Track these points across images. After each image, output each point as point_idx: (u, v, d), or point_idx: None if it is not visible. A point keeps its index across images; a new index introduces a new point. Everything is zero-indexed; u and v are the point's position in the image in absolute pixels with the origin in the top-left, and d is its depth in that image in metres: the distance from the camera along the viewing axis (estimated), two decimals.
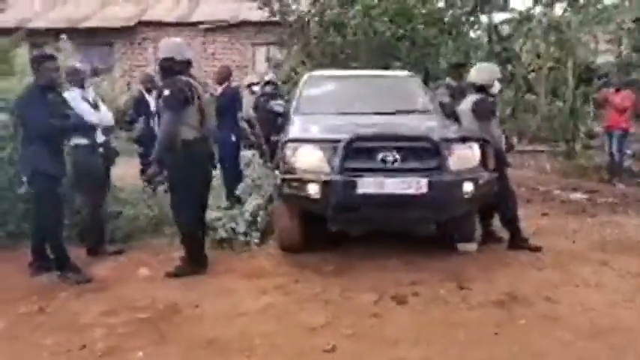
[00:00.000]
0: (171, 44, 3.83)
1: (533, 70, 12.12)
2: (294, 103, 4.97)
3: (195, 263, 3.85)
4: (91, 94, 4.26)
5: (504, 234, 4.42)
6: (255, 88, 8.04)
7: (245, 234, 4.48)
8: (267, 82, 7.60)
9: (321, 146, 3.84)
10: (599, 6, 10.98)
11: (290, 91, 8.05)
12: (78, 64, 4.34)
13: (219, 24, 13.43)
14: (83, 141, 4.11)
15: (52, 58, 3.76)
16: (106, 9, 14.45)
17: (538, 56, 11.99)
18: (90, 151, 4.16)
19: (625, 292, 3.40)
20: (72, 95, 4.05)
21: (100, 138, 4.22)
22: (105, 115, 4.28)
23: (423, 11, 8.67)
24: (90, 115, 4.08)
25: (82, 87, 4.19)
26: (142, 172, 6.12)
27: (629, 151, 8.02)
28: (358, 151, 3.76)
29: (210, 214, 4.42)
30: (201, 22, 13.52)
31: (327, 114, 4.54)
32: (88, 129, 4.06)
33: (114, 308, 3.23)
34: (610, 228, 5.05)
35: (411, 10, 8.57)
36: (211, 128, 3.91)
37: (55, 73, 3.70)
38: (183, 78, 3.71)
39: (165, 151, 3.67)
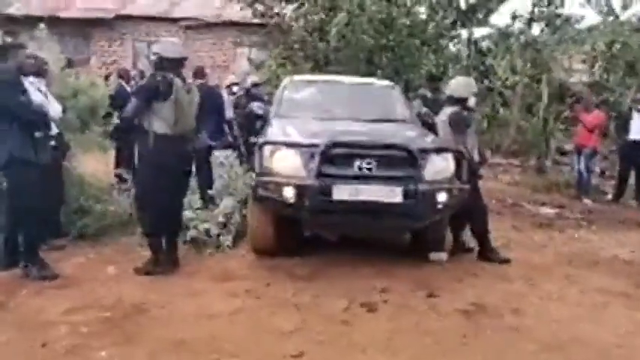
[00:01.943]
0: (163, 42, 3.98)
1: (508, 86, 12.42)
2: (273, 106, 4.96)
3: (155, 263, 3.78)
4: (42, 85, 4.15)
5: (474, 245, 4.49)
6: (235, 89, 8.00)
7: (217, 235, 4.44)
8: (255, 85, 7.56)
9: (298, 150, 3.84)
10: (575, 27, 11.34)
11: (270, 93, 8.03)
12: (38, 52, 4.21)
13: (201, 22, 13.33)
14: (36, 132, 3.97)
15: (21, 47, 3.71)
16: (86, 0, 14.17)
17: (514, 72, 12.31)
18: (43, 142, 4.02)
19: (588, 306, 3.50)
20: (33, 84, 3.92)
21: (54, 130, 4.10)
22: (54, 108, 4.16)
23: (407, 22, 8.77)
24: (54, 106, 3.97)
25: (38, 76, 4.05)
26: (117, 165, 6.03)
27: (596, 169, 8.26)
28: (335, 157, 3.78)
29: (184, 215, 4.36)
30: (183, 19, 13.39)
31: (306, 118, 4.55)
32: (46, 119, 3.94)
33: (78, 306, 3.15)
34: (576, 243, 5.20)
35: (395, 20, 8.67)
36: (187, 129, 3.85)
37: (26, 61, 3.66)
38: (167, 74, 3.70)
39: (128, 128, 3.88)
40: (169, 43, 3.97)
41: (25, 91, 3.61)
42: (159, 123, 3.68)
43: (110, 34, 13.53)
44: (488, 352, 2.77)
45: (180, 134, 3.77)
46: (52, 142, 4.06)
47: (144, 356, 2.60)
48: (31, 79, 3.98)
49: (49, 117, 3.91)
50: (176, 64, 3.79)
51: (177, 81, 3.73)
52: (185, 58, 3.90)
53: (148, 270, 3.74)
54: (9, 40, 3.92)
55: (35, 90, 3.92)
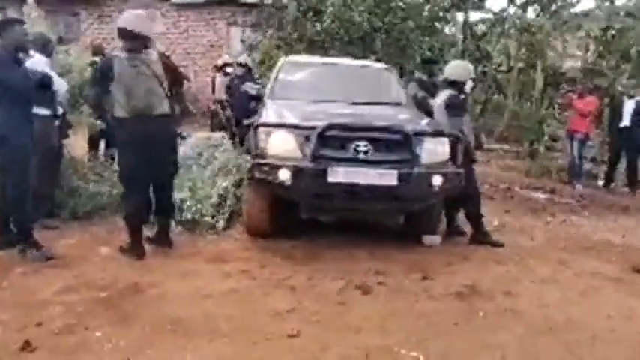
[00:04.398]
0: (126, 15, 3.63)
1: (502, 71, 12.41)
2: (268, 88, 4.92)
3: (132, 247, 3.67)
4: (47, 64, 4.09)
5: (468, 228, 4.52)
6: (229, 70, 7.91)
7: (212, 217, 4.42)
8: (239, 64, 7.50)
9: (294, 132, 3.82)
10: (570, 11, 11.29)
11: (264, 74, 7.96)
12: (46, 33, 4.17)
13: (193, 0, 13.08)
14: (44, 111, 3.93)
15: (20, 22, 3.59)
16: None
17: (509, 57, 12.28)
18: (50, 122, 4.01)
19: (579, 289, 3.54)
20: (39, 62, 3.87)
21: (59, 110, 4.08)
22: (61, 87, 4.11)
23: (401, 4, 8.70)
24: (60, 85, 3.92)
25: (49, 56, 4.02)
26: (107, 146, 5.95)
27: (589, 155, 8.32)
28: (331, 140, 3.76)
29: (177, 195, 4.33)
30: None
31: (301, 100, 4.51)
32: (53, 98, 3.90)
33: (73, 286, 3.14)
34: (568, 228, 5.25)
35: (390, 2, 8.59)
36: (142, 106, 3.51)
37: (22, 38, 3.53)
38: (113, 53, 3.63)
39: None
40: (132, 16, 3.60)
41: (21, 66, 3.53)
42: (116, 105, 3.54)
43: (100, 12, 13.25)
44: (481, 334, 2.80)
45: (138, 114, 3.52)
46: (57, 122, 4.05)
47: (139, 336, 2.59)
48: (44, 58, 3.93)
49: (56, 96, 3.88)
50: (137, 39, 3.53)
51: (121, 57, 3.52)
52: (141, 32, 3.53)
53: (127, 253, 3.67)
54: (9, 16, 3.82)
55: (50, 69, 3.89)
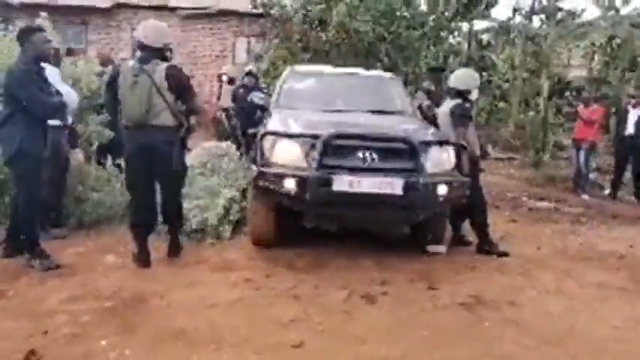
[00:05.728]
0: (143, 26, 3.65)
1: (508, 80, 12.43)
2: (274, 97, 4.95)
3: (139, 255, 3.68)
4: (57, 74, 4.14)
5: (473, 238, 4.51)
6: (224, 78, 7.98)
7: (217, 226, 4.43)
8: (248, 73, 7.55)
9: (299, 141, 3.83)
10: (575, 21, 11.32)
11: (270, 84, 8.02)
12: (56, 44, 4.23)
13: (199, 11, 13.22)
14: (54, 122, 3.98)
15: (40, 30, 3.63)
16: None
17: (513, 66, 12.31)
18: (60, 133, 4.06)
19: (585, 300, 3.52)
20: (51, 74, 3.92)
21: (69, 120, 4.13)
22: (72, 97, 4.15)
23: (406, 14, 8.75)
24: (71, 96, 3.97)
25: (58, 66, 4.08)
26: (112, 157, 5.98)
27: (594, 164, 8.29)
28: (336, 149, 3.77)
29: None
30: (181, 8, 13.28)
31: (307, 109, 4.54)
32: (64, 110, 3.95)
33: (78, 295, 3.15)
34: (574, 237, 5.22)
35: (394, 12, 8.65)
36: (135, 115, 3.50)
37: (45, 46, 3.56)
38: (123, 62, 3.69)
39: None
40: (145, 27, 3.60)
41: (45, 80, 3.57)
42: (123, 114, 3.61)
43: (107, 22, 13.40)
44: (486, 344, 2.79)
45: (134, 123, 3.55)
46: (66, 132, 4.10)
47: (144, 346, 2.60)
48: (55, 69, 3.99)
49: (67, 108, 3.92)
50: (148, 49, 3.55)
51: (126, 67, 3.57)
52: (151, 43, 3.55)
53: (134, 260, 3.70)
54: (29, 25, 3.84)
55: (61, 80, 3.95)
